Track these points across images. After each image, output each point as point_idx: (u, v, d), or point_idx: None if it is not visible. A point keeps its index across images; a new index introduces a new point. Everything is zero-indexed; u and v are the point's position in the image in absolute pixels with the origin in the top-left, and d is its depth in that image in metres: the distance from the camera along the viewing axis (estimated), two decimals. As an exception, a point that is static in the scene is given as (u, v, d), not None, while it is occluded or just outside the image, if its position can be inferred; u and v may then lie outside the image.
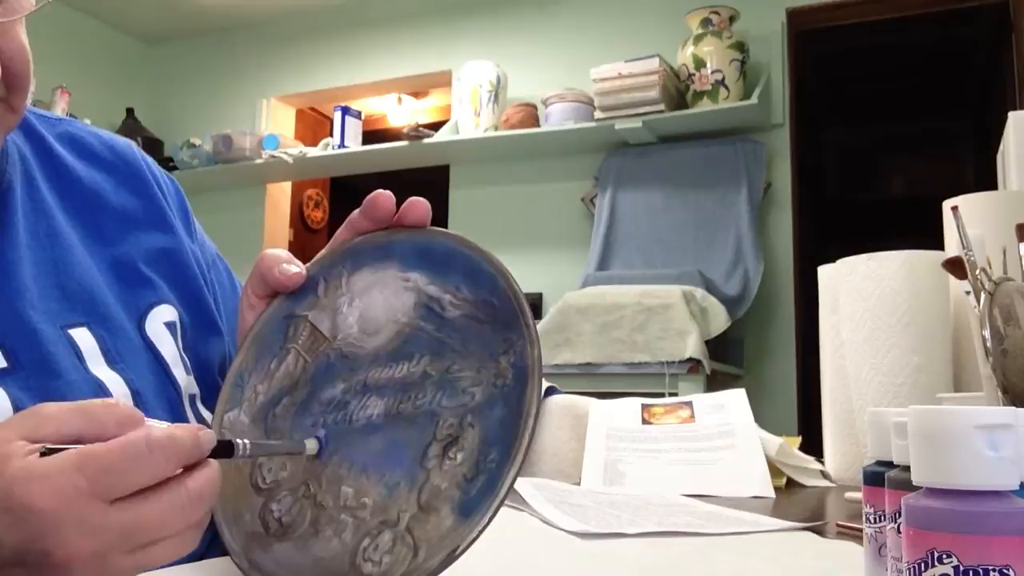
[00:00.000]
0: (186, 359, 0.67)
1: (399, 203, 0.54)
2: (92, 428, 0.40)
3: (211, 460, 0.41)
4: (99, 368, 0.59)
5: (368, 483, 0.48)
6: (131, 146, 0.74)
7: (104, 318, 0.62)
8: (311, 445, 0.49)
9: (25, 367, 0.56)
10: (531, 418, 0.45)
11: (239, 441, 0.43)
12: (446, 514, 0.45)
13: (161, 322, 0.66)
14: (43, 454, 0.38)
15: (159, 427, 0.39)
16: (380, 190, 0.55)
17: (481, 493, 0.44)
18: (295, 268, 0.56)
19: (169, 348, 0.65)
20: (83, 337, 0.60)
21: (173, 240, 0.71)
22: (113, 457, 0.38)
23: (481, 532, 0.44)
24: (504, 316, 0.49)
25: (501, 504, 0.44)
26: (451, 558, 0.43)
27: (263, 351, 0.55)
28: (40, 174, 0.65)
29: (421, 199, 0.54)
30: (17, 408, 0.53)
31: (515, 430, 0.45)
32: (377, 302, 0.53)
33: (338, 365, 0.53)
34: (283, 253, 0.57)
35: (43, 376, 0.56)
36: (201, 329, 0.70)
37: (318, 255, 0.58)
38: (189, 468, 0.40)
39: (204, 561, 0.57)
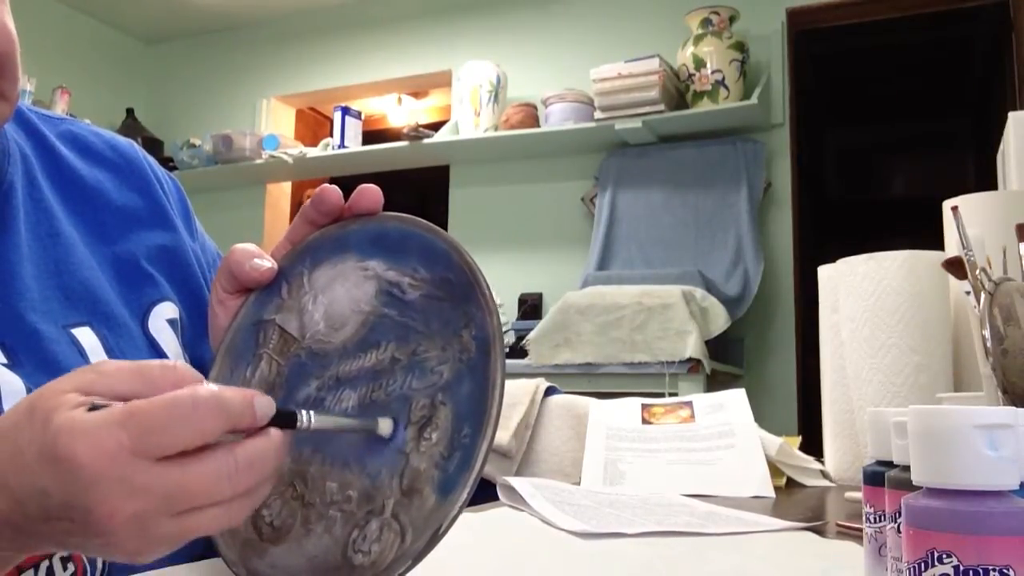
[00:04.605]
0: (186, 357, 0.67)
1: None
2: (147, 390, 0.39)
3: (271, 429, 0.40)
4: None
5: (351, 475, 0.47)
6: (133, 145, 0.75)
7: (107, 317, 0.62)
8: (384, 425, 0.47)
9: (25, 366, 0.55)
10: (497, 388, 0.45)
11: (302, 412, 0.42)
12: (428, 495, 0.45)
13: (164, 319, 0.66)
14: (91, 409, 0.37)
15: (208, 386, 0.38)
16: (325, 185, 0.55)
17: (458, 469, 0.44)
18: (267, 263, 0.56)
19: (172, 345, 0.65)
20: (86, 336, 0.60)
21: (174, 239, 0.71)
22: (157, 413, 0.37)
23: (462, 508, 0.43)
24: (462, 290, 0.49)
25: (478, 478, 0.44)
26: (436, 538, 0.43)
27: (237, 361, 0.55)
28: (42, 173, 0.65)
29: (371, 186, 0.54)
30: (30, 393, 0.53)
31: (484, 402, 0.45)
32: (340, 295, 0.53)
33: (310, 364, 0.52)
34: (253, 248, 0.56)
35: (47, 374, 0.56)
36: (199, 329, 0.69)
37: (275, 246, 0.57)
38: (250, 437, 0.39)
39: (204, 561, 0.57)
